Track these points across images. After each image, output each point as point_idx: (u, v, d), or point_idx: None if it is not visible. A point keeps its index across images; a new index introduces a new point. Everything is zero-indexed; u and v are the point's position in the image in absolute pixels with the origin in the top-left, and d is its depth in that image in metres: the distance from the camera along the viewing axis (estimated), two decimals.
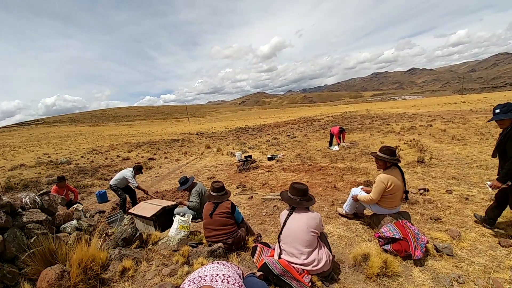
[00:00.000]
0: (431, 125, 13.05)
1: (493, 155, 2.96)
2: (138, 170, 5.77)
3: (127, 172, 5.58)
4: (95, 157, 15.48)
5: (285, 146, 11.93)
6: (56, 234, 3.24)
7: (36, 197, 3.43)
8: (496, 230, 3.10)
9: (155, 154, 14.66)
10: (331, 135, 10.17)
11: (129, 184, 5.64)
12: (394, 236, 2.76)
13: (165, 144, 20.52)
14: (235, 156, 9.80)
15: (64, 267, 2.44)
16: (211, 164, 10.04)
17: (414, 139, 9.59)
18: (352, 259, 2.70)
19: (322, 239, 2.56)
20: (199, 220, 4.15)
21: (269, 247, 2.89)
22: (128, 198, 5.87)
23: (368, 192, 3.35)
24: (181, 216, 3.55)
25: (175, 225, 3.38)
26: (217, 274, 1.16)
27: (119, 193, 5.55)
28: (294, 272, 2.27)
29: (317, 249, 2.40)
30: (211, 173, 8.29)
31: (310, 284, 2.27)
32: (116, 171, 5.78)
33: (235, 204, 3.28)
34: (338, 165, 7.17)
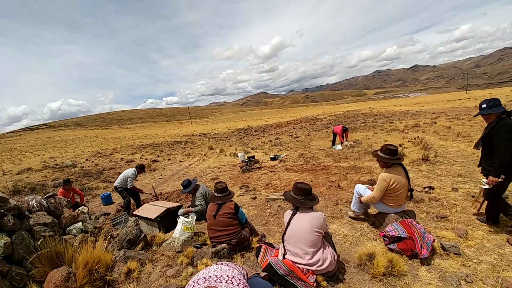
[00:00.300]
0: (435, 122, 12.92)
1: (476, 147, 3.03)
2: (141, 169, 5.80)
3: (129, 172, 5.62)
4: (99, 160, 15.62)
5: (288, 146, 11.90)
6: (62, 236, 3.27)
7: (43, 200, 3.47)
8: (504, 226, 3.06)
9: (158, 156, 14.74)
10: (334, 135, 10.13)
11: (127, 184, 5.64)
12: (399, 235, 2.73)
13: (168, 146, 20.63)
14: (238, 156, 9.80)
15: (70, 269, 2.47)
16: (214, 165, 10.06)
17: (418, 136, 9.49)
18: (357, 259, 2.67)
19: (326, 238, 2.55)
20: (203, 221, 4.16)
21: (274, 247, 2.88)
22: (132, 201, 5.91)
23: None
24: (185, 217, 3.56)
25: (179, 226, 3.39)
26: (222, 275, 1.16)
27: (124, 195, 5.59)
28: (299, 272, 2.25)
29: (321, 249, 2.39)
30: (214, 174, 8.31)
31: (315, 284, 2.26)
32: (120, 174, 5.81)
33: (239, 205, 3.28)
34: (342, 164, 7.13)
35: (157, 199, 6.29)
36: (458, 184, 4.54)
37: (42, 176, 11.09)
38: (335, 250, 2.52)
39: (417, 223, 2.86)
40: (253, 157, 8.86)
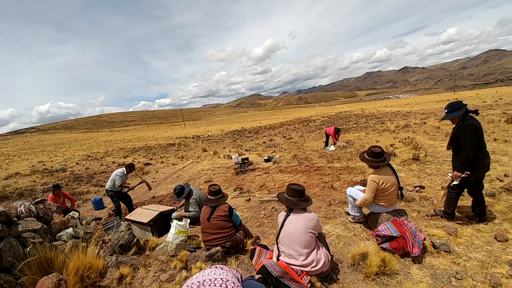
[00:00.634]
0: (425, 123, 13.20)
1: (448, 148, 3.20)
2: (130, 168, 5.64)
3: (118, 171, 5.49)
4: (90, 163, 15.32)
5: (282, 148, 11.95)
6: (52, 243, 3.20)
7: (31, 205, 3.39)
8: (492, 224, 3.16)
9: (151, 159, 14.57)
10: (327, 136, 10.23)
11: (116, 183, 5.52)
12: (391, 234, 2.77)
13: (161, 148, 20.42)
14: (231, 158, 9.78)
15: (61, 276, 2.41)
16: (208, 167, 10.01)
17: (408, 137, 9.68)
18: (350, 259, 2.70)
19: (320, 239, 2.57)
20: (197, 224, 4.13)
21: (268, 249, 2.89)
22: (123, 205, 5.81)
23: None
24: (179, 220, 3.53)
25: (172, 230, 3.36)
26: (216, 279, 1.15)
27: (114, 199, 5.47)
28: (293, 274, 2.26)
29: (315, 250, 2.41)
30: (208, 177, 8.26)
31: (309, 285, 2.27)
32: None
33: (233, 207, 3.27)
34: (335, 165, 7.20)
35: (150, 189, 6.31)
36: (448, 183, 4.65)
37: (30, 181, 10.80)
38: (328, 250, 2.55)
39: (409, 222, 2.92)
40: (247, 159, 8.86)
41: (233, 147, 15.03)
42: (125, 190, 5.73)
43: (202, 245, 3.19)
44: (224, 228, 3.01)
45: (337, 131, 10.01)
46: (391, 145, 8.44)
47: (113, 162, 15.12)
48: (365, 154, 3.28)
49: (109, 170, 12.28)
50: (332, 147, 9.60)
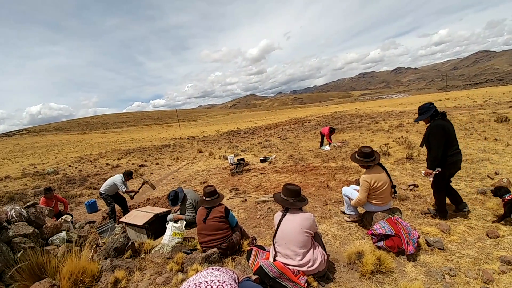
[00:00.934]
0: (418, 122, 13.40)
1: (421, 145, 3.40)
2: (128, 175, 5.63)
3: (117, 178, 5.45)
4: (83, 166, 15.09)
5: (277, 148, 11.97)
6: (45, 247, 3.13)
7: (22, 209, 3.31)
8: (483, 220, 3.24)
9: (146, 161, 14.42)
10: (322, 136, 10.29)
11: (118, 191, 5.51)
12: (386, 233, 2.80)
13: (156, 150, 20.23)
14: (227, 159, 9.75)
15: (54, 281, 2.36)
16: (203, 168, 9.96)
17: (402, 136, 9.81)
18: (346, 258, 2.72)
19: (316, 239, 2.58)
20: (194, 226, 4.10)
21: (264, 250, 2.88)
22: (118, 207, 5.74)
23: None
24: (174, 222, 3.49)
25: (168, 232, 3.33)
26: (212, 280, 1.15)
27: (108, 201, 5.41)
28: (290, 274, 2.27)
29: (311, 250, 2.41)
30: (203, 178, 8.22)
31: (306, 285, 2.28)
32: (106, 180, 5.63)
33: (229, 208, 3.26)
34: (330, 164, 7.25)
35: (154, 188, 6.21)
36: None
37: (21, 185, 10.56)
38: (325, 250, 2.56)
39: (403, 220, 2.95)
40: (242, 159, 8.85)
41: (229, 148, 15.00)
42: (132, 195, 5.70)
43: (198, 246, 3.17)
44: (221, 229, 3.00)
45: (332, 131, 10.08)
46: (385, 144, 8.54)
47: (107, 164, 14.91)
48: (356, 155, 3.38)
49: (102, 172, 12.11)
50: (327, 147, 9.67)
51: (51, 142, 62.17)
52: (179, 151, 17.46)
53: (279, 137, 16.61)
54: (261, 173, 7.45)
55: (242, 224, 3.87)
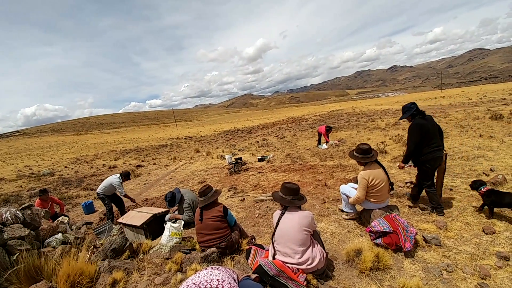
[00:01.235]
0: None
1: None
2: (125, 176, 5.57)
3: (114, 179, 5.39)
4: (79, 167, 14.96)
5: (275, 147, 11.98)
6: (41, 249, 3.10)
7: (18, 211, 3.27)
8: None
9: (143, 161, 14.34)
10: (319, 134, 10.32)
11: (116, 192, 5.48)
12: (384, 230, 2.82)
13: (153, 150, 20.13)
14: (225, 159, 9.74)
15: (50, 284, 2.34)
16: (201, 168, 9.93)
17: (398, 134, 9.88)
18: (345, 255, 2.73)
19: (315, 237, 2.58)
20: (192, 226, 4.09)
21: (263, 248, 2.88)
22: (115, 208, 5.70)
23: None
24: (172, 222, 3.48)
25: (166, 232, 3.31)
26: (211, 280, 1.14)
27: (106, 202, 5.36)
28: (289, 272, 2.27)
29: (310, 248, 2.42)
30: (201, 178, 8.20)
31: (305, 283, 2.28)
32: (103, 180, 5.58)
33: (227, 207, 3.25)
34: (328, 163, 7.27)
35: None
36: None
37: (16, 186, 10.44)
38: (323, 247, 2.57)
39: (400, 217, 2.97)
40: (240, 158, 8.84)
41: (226, 147, 14.97)
42: (133, 200, 5.70)
43: (197, 246, 3.16)
44: (219, 229, 2.99)
45: (329, 130, 10.11)
46: (382, 142, 8.60)
47: (104, 164, 14.80)
48: (354, 152, 3.43)
49: (99, 173, 12.02)
50: (324, 146, 9.69)
51: (47, 143, 61.52)
52: (176, 151, 17.38)
53: (277, 136, 16.62)
54: (259, 172, 7.45)
55: (240, 223, 3.86)
